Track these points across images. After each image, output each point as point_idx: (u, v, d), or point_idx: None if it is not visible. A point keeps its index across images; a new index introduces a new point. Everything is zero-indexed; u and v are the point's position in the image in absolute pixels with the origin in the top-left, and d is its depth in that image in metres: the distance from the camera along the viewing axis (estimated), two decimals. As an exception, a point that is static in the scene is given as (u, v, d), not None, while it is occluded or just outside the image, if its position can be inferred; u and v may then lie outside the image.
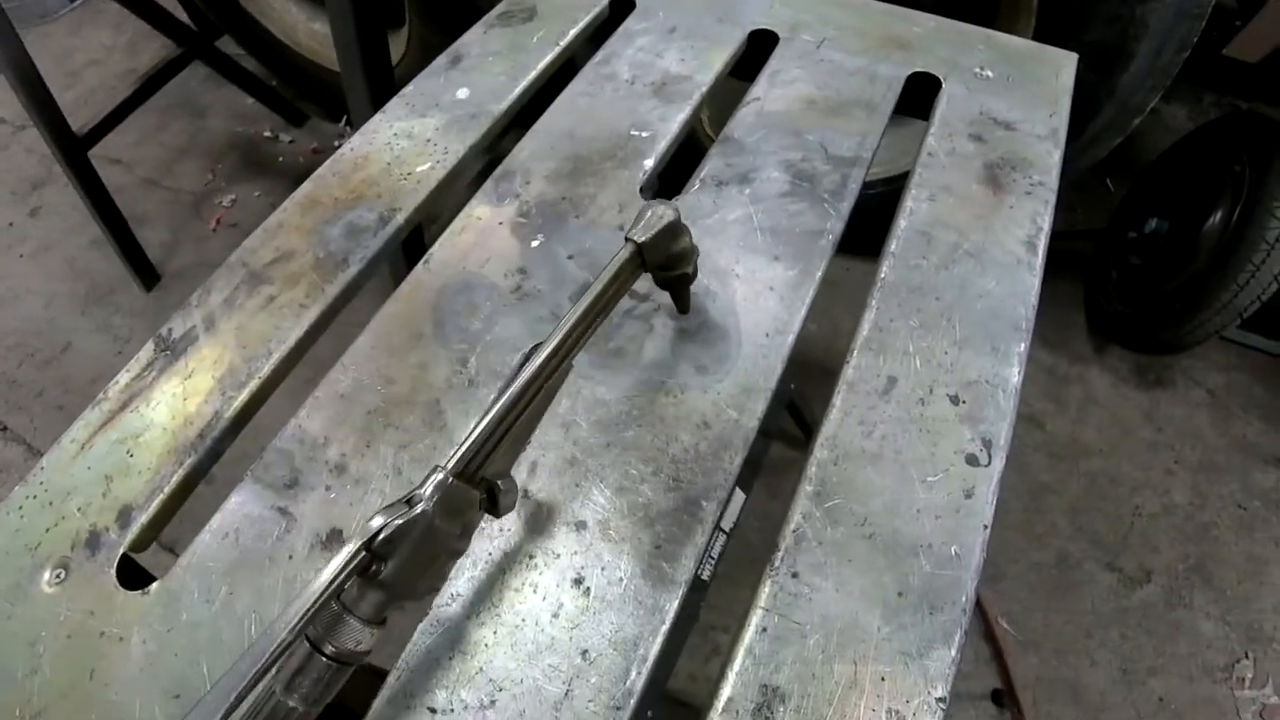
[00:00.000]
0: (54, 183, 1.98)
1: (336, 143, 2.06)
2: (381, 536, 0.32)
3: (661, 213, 0.42)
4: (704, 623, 1.17)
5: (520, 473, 0.46)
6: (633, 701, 0.38)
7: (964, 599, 0.41)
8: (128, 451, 0.49)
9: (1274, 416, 1.47)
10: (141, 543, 0.47)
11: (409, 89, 0.70)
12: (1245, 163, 1.23)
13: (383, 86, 1.13)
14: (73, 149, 1.51)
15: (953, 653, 0.40)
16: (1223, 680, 1.21)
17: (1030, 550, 1.33)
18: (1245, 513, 1.37)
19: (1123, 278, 1.48)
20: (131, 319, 1.74)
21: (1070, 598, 1.29)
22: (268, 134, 2.12)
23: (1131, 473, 1.41)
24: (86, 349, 1.70)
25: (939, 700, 0.38)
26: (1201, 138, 1.38)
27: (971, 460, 0.45)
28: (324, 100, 2.04)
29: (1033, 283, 0.52)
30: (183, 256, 1.87)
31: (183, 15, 1.83)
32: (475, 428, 0.36)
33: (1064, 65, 0.68)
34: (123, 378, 0.53)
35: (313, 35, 1.82)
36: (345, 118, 2.06)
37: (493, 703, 0.38)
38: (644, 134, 0.63)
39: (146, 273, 1.77)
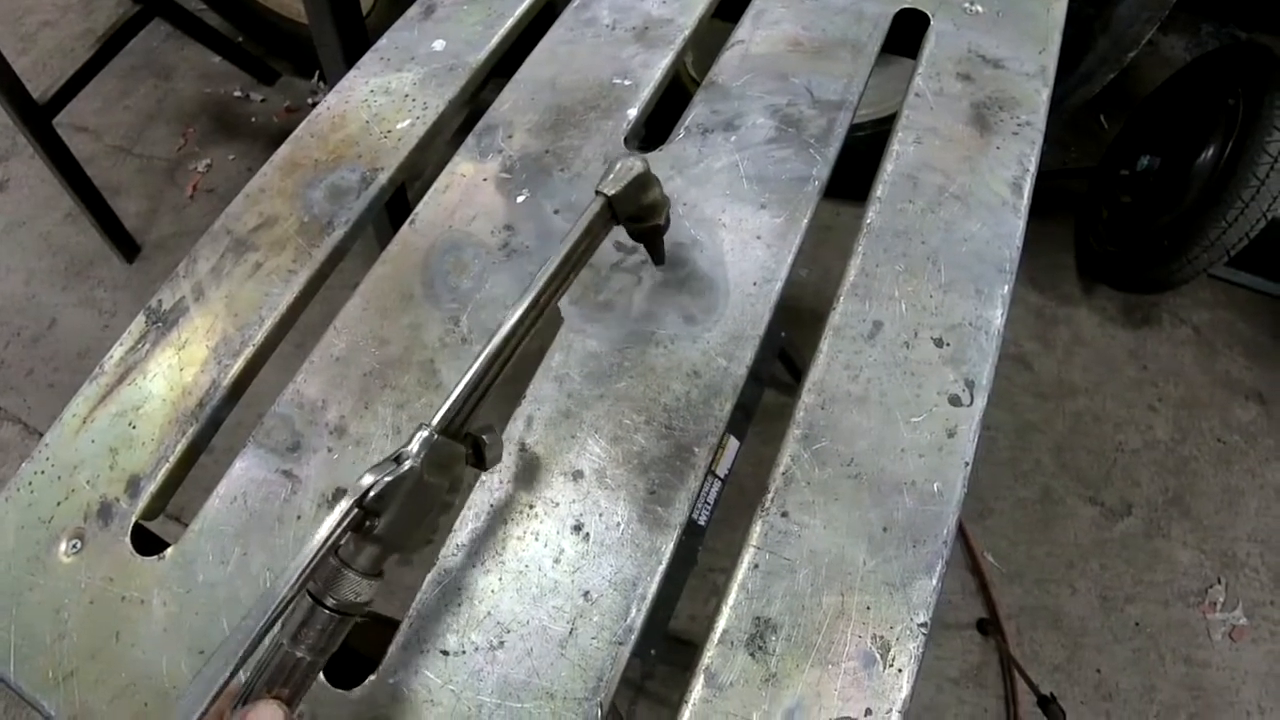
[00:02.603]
0: (19, 155, 1.92)
1: (310, 100, 1.99)
2: (373, 493, 0.33)
3: (630, 165, 0.42)
4: (703, 565, 1.21)
5: (517, 426, 0.47)
6: (634, 636, 0.40)
7: (945, 532, 0.43)
8: (129, 424, 0.50)
9: (1256, 352, 1.50)
10: (152, 511, 0.48)
11: (383, 42, 0.68)
12: (1239, 96, 1.21)
13: (354, 38, 1.09)
14: (36, 118, 1.45)
15: (934, 582, 0.42)
16: (1196, 604, 1.28)
17: (1016, 487, 1.38)
18: (1224, 446, 1.41)
19: (1114, 216, 1.48)
20: (115, 292, 1.72)
21: (1053, 531, 1.34)
22: (238, 94, 2.04)
23: (1116, 410, 1.44)
24: (72, 324, 1.68)
25: (920, 626, 0.40)
26: (1196, 71, 1.35)
27: (954, 401, 0.46)
28: (294, 56, 1.96)
29: (1017, 224, 0.53)
30: (162, 226, 1.83)
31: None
32: (456, 386, 0.37)
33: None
34: (117, 351, 0.53)
35: (278, -14, 1.74)
36: (318, 74, 1.99)
37: (501, 643, 0.41)
38: (626, 82, 0.62)
39: (126, 244, 1.73)
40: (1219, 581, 1.31)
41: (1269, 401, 1.46)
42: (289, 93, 2.01)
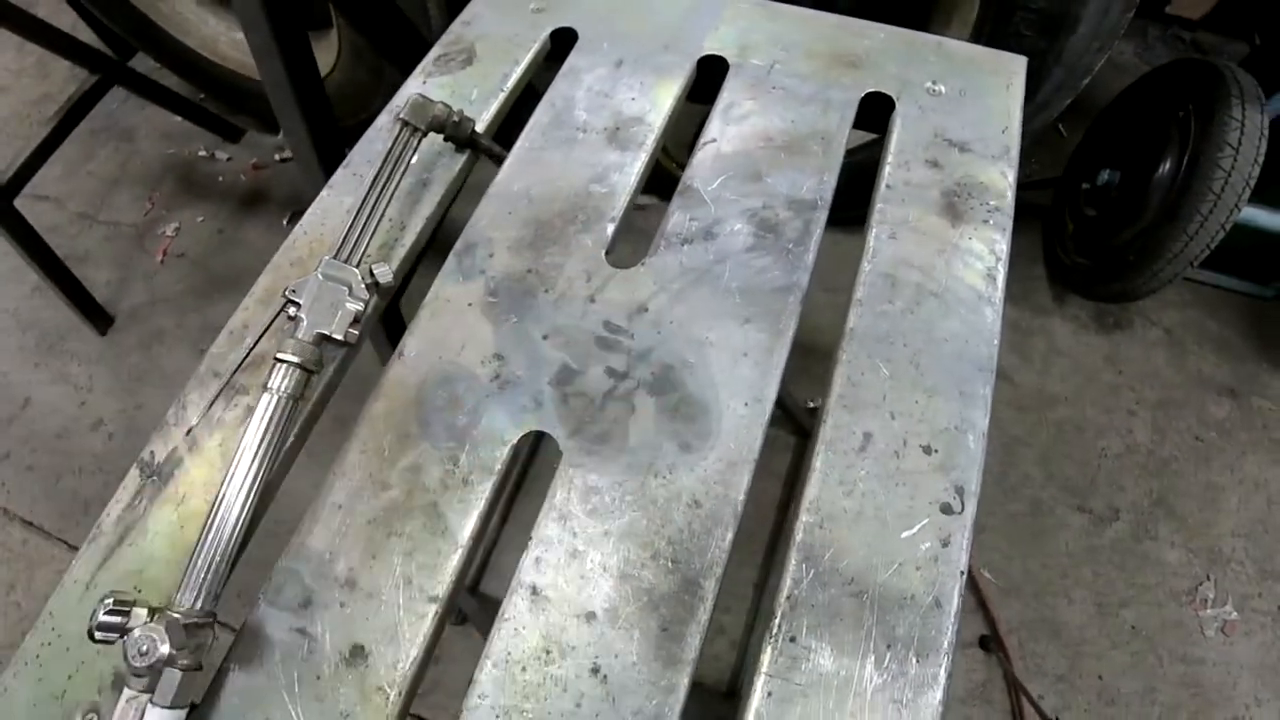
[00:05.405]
0: (-20, 231, 1.87)
1: (277, 156, 1.97)
2: None
3: None
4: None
5: (526, 568, 0.48)
6: (657, 783, 0.41)
7: (946, 644, 0.44)
8: (135, 587, 0.50)
9: (1226, 349, 1.54)
10: (166, 678, 0.48)
11: (354, 157, 0.68)
12: (1190, 111, 1.25)
13: (311, 94, 1.07)
14: (-5, 200, 1.42)
15: (939, 694, 0.43)
16: (1187, 603, 1.32)
17: (1006, 502, 1.41)
18: (1202, 444, 1.46)
19: (1079, 229, 1.51)
20: (89, 366, 1.69)
21: (1046, 542, 1.38)
22: (203, 153, 2.01)
23: (1096, 417, 1.48)
24: (47, 402, 1.65)
25: (931, 747, 0.41)
26: (1148, 85, 1.39)
27: (946, 509, 0.48)
28: (257, 112, 1.94)
29: (995, 319, 0.54)
30: (133, 294, 1.80)
31: (88, 35, 1.70)
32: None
33: (1015, 73, 0.68)
34: (114, 509, 0.53)
35: (236, 46, 1.72)
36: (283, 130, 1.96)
37: (529, 801, 0.42)
38: (602, 189, 0.63)
39: (97, 316, 1.70)
40: (1208, 578, 1.35)
41: (1240, 395, 1.51)
42: (255, 150, 1.99)
